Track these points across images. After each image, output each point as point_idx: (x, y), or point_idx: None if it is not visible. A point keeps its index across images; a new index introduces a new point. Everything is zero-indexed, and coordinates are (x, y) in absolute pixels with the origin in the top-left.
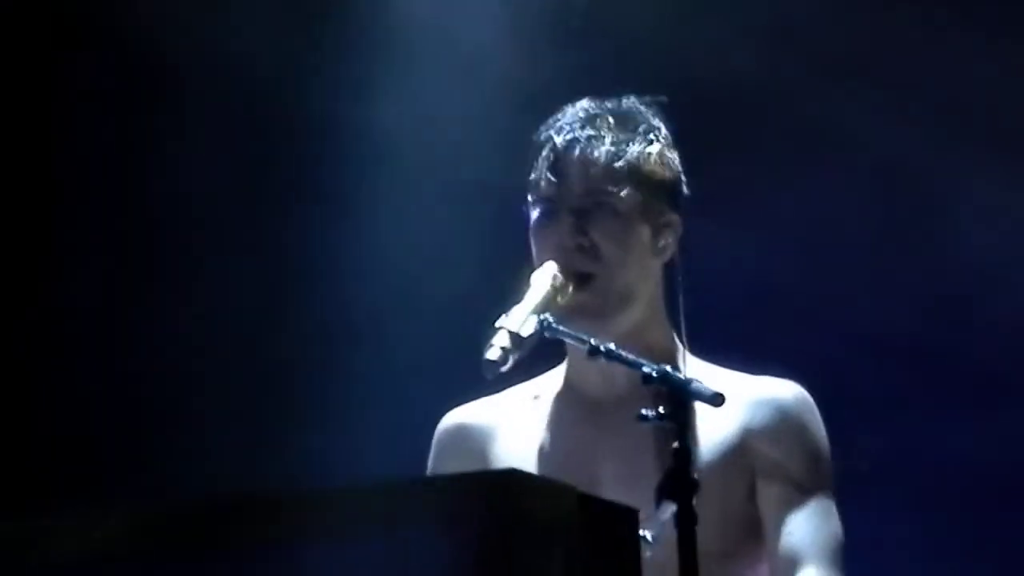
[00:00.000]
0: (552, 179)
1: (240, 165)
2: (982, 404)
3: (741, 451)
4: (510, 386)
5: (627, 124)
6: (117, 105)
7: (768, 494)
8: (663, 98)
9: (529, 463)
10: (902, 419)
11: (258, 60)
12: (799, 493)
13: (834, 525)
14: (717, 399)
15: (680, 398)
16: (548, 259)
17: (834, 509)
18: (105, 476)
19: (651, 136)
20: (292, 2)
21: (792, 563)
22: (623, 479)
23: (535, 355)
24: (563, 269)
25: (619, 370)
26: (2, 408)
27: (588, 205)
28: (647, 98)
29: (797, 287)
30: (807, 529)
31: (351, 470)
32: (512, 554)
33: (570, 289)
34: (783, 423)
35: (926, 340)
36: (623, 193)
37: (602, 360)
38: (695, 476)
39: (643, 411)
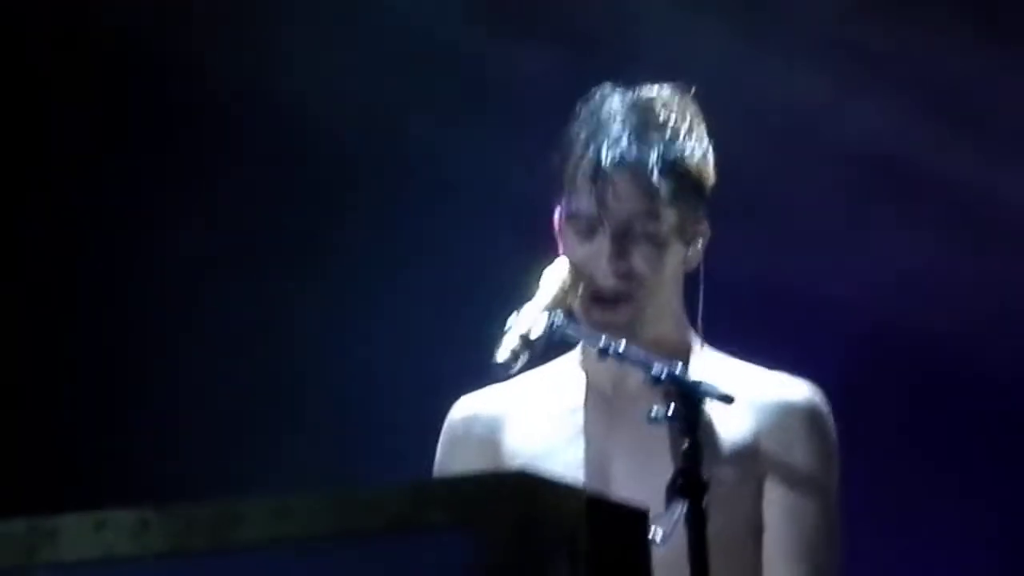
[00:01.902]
0: (595, 197)
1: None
2: None
3: (752, 454)
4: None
5: (672, 131)
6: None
7: (772, 495)
8: (692, 87)
9: (540, 456)
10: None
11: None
12: (801, 495)
13: (834, 529)
14: (727, 399)
15: (691, 398)
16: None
17: (836, 512)
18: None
19: (695, 139)
20: None
21: (789, 566)
22: (635, 476)
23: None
24: (594, 286)
25: (631, 368)
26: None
27: (630, 231)
28: (678, 84)
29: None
30: (806, 532)
31: (365, 469)
32: (521, 556)
33: (580, 287)
34: (793, 425)
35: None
36: (666, 217)
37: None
38: (705, 476)
39: (653, 412)
